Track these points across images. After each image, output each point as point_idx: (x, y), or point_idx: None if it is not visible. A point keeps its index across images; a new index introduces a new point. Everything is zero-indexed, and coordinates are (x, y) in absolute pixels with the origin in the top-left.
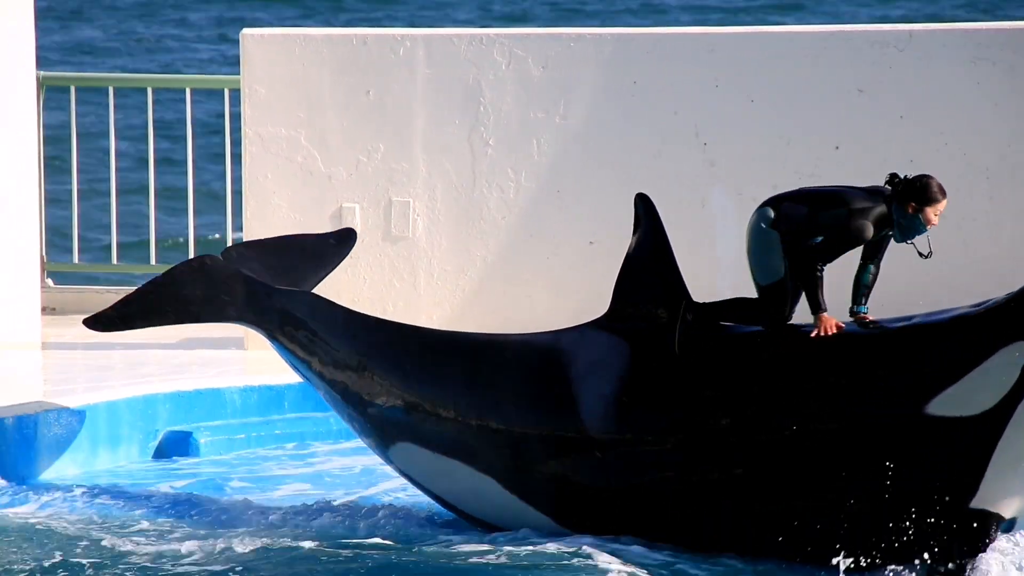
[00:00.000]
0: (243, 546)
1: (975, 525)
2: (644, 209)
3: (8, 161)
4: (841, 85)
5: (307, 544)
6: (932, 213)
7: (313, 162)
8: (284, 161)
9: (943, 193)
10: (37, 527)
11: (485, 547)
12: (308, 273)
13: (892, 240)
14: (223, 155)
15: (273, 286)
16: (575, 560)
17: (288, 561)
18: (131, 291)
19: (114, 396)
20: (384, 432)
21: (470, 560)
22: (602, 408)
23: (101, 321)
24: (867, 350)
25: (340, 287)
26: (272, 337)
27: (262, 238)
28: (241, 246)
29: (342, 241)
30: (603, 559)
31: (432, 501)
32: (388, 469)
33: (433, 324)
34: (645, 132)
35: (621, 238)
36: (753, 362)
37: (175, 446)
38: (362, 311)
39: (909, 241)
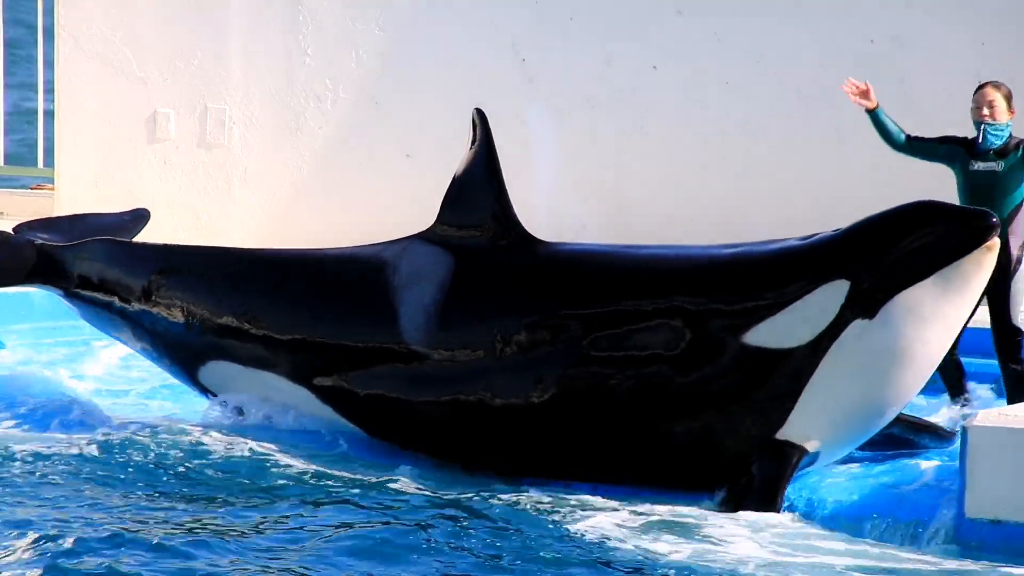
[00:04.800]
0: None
1: (780, 455)
2: (480, 124)
3: None
4: (660, 5)
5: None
6: None
7: (127, 65)
8: (98, 63)
9: None
10: None
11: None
12: None
13: None
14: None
15: (63, 245)
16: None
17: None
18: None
19: None
20: (193, 355)
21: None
22: (424, 320)
23: None
24: (690, 275)
25: (155, 193)
26: (68, 293)
27: (53, 216)
28: (34, 222)
29: (136, 219)
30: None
31: None
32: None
33: (247, 233)
34: (464, 47)
35: (438, 151)
36: (578, 279)
37: None
38: (173, 222)
39: None
